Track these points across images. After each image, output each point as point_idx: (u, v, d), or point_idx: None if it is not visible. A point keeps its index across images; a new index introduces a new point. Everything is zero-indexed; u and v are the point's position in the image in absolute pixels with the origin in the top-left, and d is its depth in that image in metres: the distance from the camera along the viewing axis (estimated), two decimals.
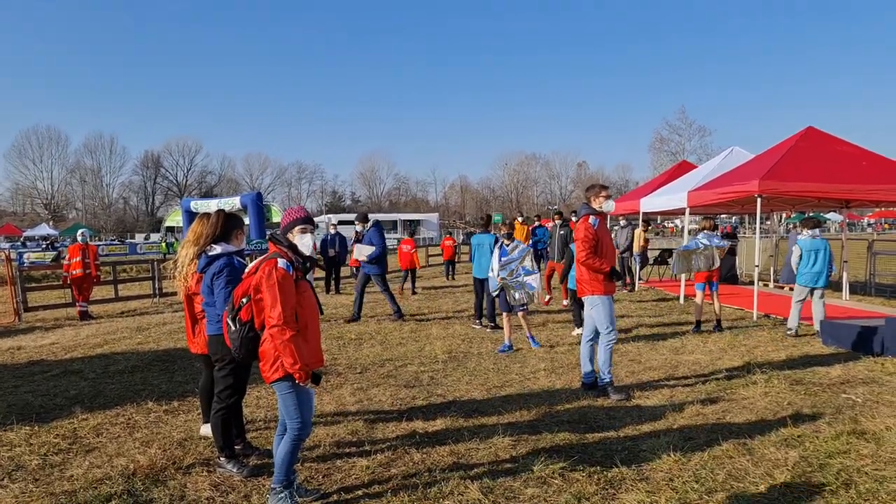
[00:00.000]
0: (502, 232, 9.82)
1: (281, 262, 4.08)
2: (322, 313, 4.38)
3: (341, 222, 49.73)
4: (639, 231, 17.97)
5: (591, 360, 7.18)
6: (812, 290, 10.10)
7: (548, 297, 14.10)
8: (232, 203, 12.47)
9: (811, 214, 18.10)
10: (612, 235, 19.65)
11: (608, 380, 6.99)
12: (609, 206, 7.20)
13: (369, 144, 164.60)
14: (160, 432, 5.92)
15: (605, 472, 4.73)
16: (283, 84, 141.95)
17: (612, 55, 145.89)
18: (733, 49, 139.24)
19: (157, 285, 16.98)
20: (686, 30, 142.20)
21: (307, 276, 4.31)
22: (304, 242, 4.27)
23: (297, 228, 4.29)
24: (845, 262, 15.60)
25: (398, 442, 5.46)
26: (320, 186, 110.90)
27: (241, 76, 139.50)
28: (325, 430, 5.84)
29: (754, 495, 4.31)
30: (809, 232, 10.11)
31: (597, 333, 7.17)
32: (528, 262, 9.49)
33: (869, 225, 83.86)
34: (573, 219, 18.59)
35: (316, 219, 49.79)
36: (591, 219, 7.05)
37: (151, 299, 16.90)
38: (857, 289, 16.42)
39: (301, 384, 4.03)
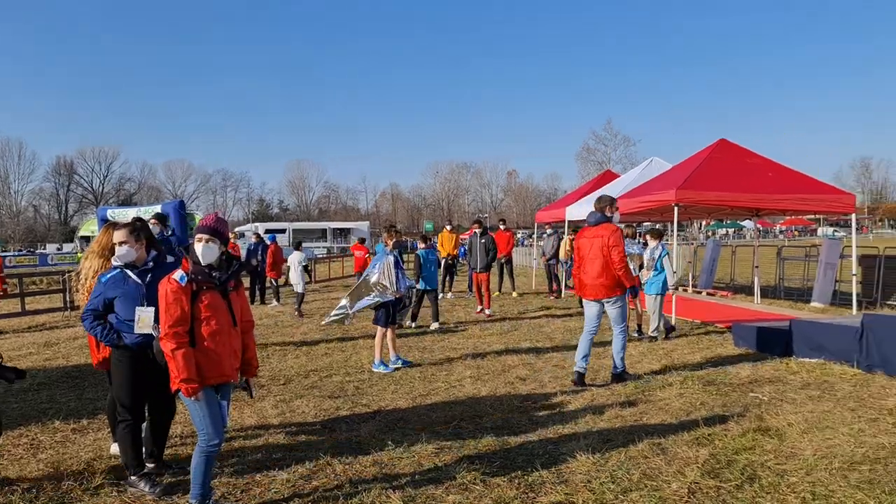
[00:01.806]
0: (388, 244, 9.34)
1: (176, 274, 4.05)
2: (235, 325, 4.32)
3: (269, 231, 48.98)
4: (566, 239, 18.37)
5: (587, 356, 7.90)
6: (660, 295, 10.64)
7: (479, 307, 14.18)
8: (153, 212, 12.14)
9: (719, 222, 18.76)
10: (540, 243, 20.14)
11: (623, 367, 7.89)
12: (617, 217, 8.09)
13: (298, 152, 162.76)
14: (67, 452, 5.67)
15: (525, 477, 4.82)
16: (207, 89, 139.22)
17: (542, 66, 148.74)
18: (656, 61, 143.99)
19: (68, 298, 16.12)
20: (614, 42, 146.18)
21: (221, 287, 4.23)
22: (199, 252, 4.14)
23: (195, 238, 4.19)
24: (756, 267, 16.29)
25: (321, 454, 5.41)
26: (247, 194, 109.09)
27: (160, 81, 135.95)
28: (245, 444, 5.75)
29: (667, 493, 4.48)
30: (653, 242, 10.75)
31: (598, 331, 8.00)
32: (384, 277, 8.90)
33: (780, 232, 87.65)
34: (501, 227, 19.00)
35: (241, 228, 48.93)
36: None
37: (62, 312, 16.16)
38: (768, 292, 17.15)
39: (189, 398, 3.99)
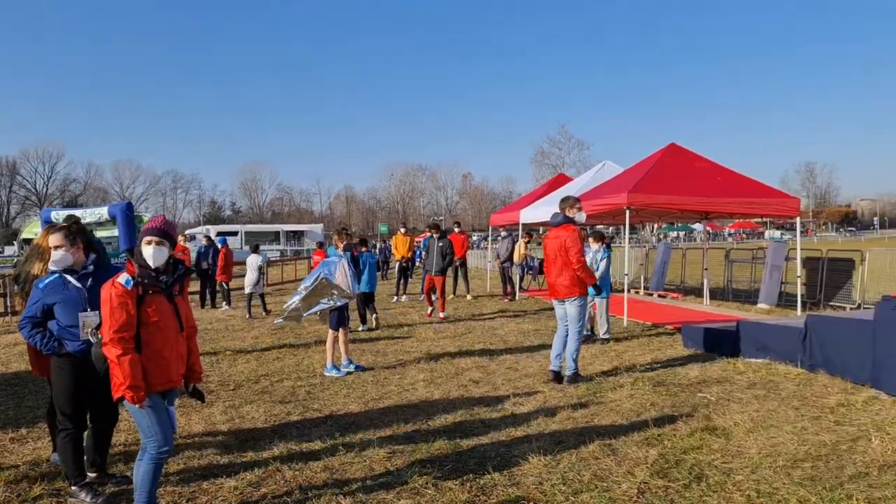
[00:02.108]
0: (339, 247, 9.21)
1: (121, 278, 3.92)
2: (182, 329, 4.22)
3: (220, 233, 48.17)
4: (521, 242, 18.47)
5: (560, 354, 7.98)
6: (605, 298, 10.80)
7: (430, 309, 14.18)
8: (99, 214, 11.83)
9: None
10: (495, 246, 20.22)
11: (575, 368, 7.92)
12: (582, 216, 8.16)
13: (251, 153, 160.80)
14: (4, 463, 5.47)
15: (477, 479, 4.82)
16: (157, 88, 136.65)
17: (499, 69, 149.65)
18: (611, 63, 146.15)
19: (9, 303, 15.43)
20: (569, 46, 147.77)
21: (167, 291, 4.13)
22: (148, 255, 4.02)
23: (143, 240, 4.06)
24: (706, 269, 16.62)
25: (270, 460, 5.33)
26: (198, 196, 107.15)
27: (106, 80, 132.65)
28: (192, 452, 5.61)
29: (616, 493, 4.52)
30: (595, 245, 10.96)
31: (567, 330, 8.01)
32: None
33: (729, 235, 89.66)
34: (456, 230, 19.02)
35: (193, 230, 48.07)
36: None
37: (2, 318, 15.62)
38: (717, 294, 17.50)
39: (135, 405, 3.88)
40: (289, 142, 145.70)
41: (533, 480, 4.79)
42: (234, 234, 55.68)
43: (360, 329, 12.34)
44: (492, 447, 5.57)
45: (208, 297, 17.93)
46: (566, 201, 8.15)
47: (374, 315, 12.96)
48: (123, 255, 17.81)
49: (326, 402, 7.26)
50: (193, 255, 18.61)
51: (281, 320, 9.05)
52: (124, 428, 6.20)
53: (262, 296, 15.91)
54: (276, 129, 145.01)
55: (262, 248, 17.33)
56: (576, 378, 7.83)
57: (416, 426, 6.26)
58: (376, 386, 8.00)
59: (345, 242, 9.23)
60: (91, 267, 4.74)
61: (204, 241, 18.30)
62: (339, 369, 8.74)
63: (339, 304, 8.76)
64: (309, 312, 8.82)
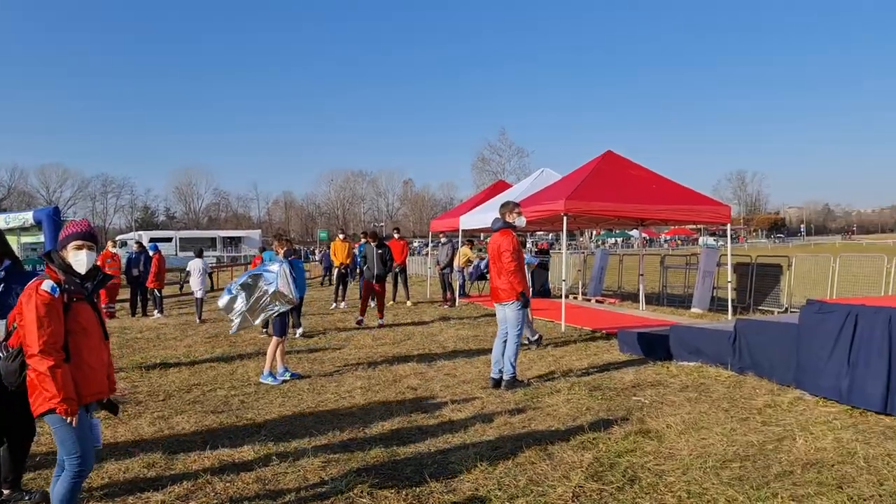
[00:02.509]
0: (279, 252, 9.20)
1: (45, 285, 3.70)
2: (107, 338, 4.07)
3: (154, 239, 46.94)
4: (463, 249, 18.51)
5: (502, 359, 8.00)
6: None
7: (360, 318, 13.92)
8: (23, 218, 11.39)
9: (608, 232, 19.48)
10: (435, 252, 20.23)
11: (513, 373, 7.94)
12: (521, 221, 8.29)
13: (186, 158, 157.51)
14: None
15: (413, 488, 4.79)
16: (85, 88, 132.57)
17: (440, 75, 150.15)
18: (550, 73, 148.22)
19: None
20: (511, 54, 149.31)
21: (90, 298, 3.96)
22: (79, 260, 3.87)
23: (71, 245, 3.88)
24: (641, 275, 16.93)
25: (200, 472, 5.18)
26: (130, 201, 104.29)
27: (31, 79, 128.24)
28: (117, 465, 5.41)
29: (552, 498, 4.55)
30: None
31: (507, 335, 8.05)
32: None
33: (665, 241, 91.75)
34: (395, 236, 18.96)
35: (124, 236, 46.76)
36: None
37: None
38: (652, 299, 17.85)
39: (67, 418, 3.67)
40: (226, 147, 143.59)
41: (469, 487, 4.78)
42: (169, 240, 54.59)
43: (295, 336, 12.18)
44: (429, 454, 5.55)
45: (139, 304, 17.46)
46: (506, 206, 8.25)
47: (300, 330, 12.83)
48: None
49: (260, 412, 7.13)
50: (123, 262, 18.08)
51: (236, 326, 8.74)
52: (45, 441, 5.95)
53: (201, 300, 15.95)
54: (214, 133, 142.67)
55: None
56: (514, 383, 7.87)
57: (352, 434, 6.19)
58: (312, 394, 7.89)
59: (285, 248, 9.13)
60: (2, 273, 4.53)
61: (135, 248, 17.83)
62: (275, 377, 8.60)
63: (282, 309, 8.63)
64: (259, 320, 8.66)
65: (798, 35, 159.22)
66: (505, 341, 8.05)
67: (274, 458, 5.50)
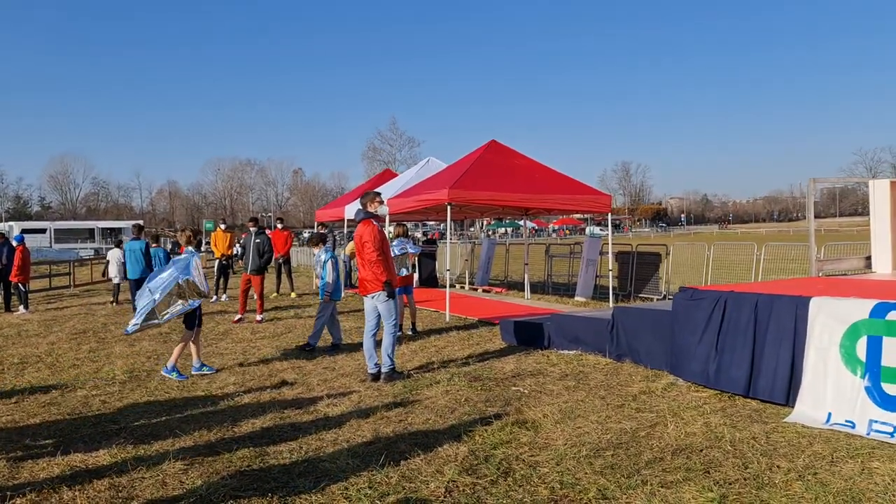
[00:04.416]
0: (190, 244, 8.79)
1: None
2: None
3: (26, 230, 44.08)
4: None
5: (376, 352, 7.87)
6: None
7: (238, 316, 13.10)
8: None
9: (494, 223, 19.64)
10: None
11: (392, 365, 7.80)
12: (384, 210, 8.37)
13: (61, 145, 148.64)
14: None
15: (281, 488, 4.53)
16: None
17: (329, 61, 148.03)
18: (435, 61, 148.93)
19: None
20: (401, 43, 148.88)
21: None
22: None
23: None
24: (526, 264, 17.14)
25: (47, 480, 4.74)
26: (0, 190, 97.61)
27: None
28: None
29: (424, 494, 4.39)
30: (316, 249, 10.85)
31: (378, 327, 7.97)
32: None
33: (554, 231, 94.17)
34: (279, 226, 18.41)
35: None
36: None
37: None
38: (538, 288, 18.12)
39: None
40: (104, 134, 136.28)
41: (339, 486, 4.56)
42: (43, 231, 51.58)
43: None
44: (300, 453, 5.28)
45: (2, 299, 16.23)
46: (367, 196, 8.10)
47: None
48: None
49: (123, 413, 6.66)
50: None
51: (136, 325, 8.08)
52: None
53: (117, 286, 17.35)
54: (90, 119, 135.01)
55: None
56: (392, 375, 7.69)
57: (220, 434, 5.84)
58: (181, 392, 7.47)
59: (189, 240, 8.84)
60: None
61: None
62: (182, 374, 8.22)
63: (195, 304, 8.27)
64: (168, 317, 8.09)
65: (678, 31, 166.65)
66: (374, 335, 7.90)
67: (132, 462, 5.10)
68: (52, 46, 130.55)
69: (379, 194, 8.16)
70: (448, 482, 4.55)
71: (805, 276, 11.12)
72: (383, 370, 7.75)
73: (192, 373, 8.40)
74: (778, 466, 4.62)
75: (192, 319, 8.41)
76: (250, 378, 8.02)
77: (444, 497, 4.34)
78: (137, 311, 8.08)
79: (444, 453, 5.14)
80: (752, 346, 6.34)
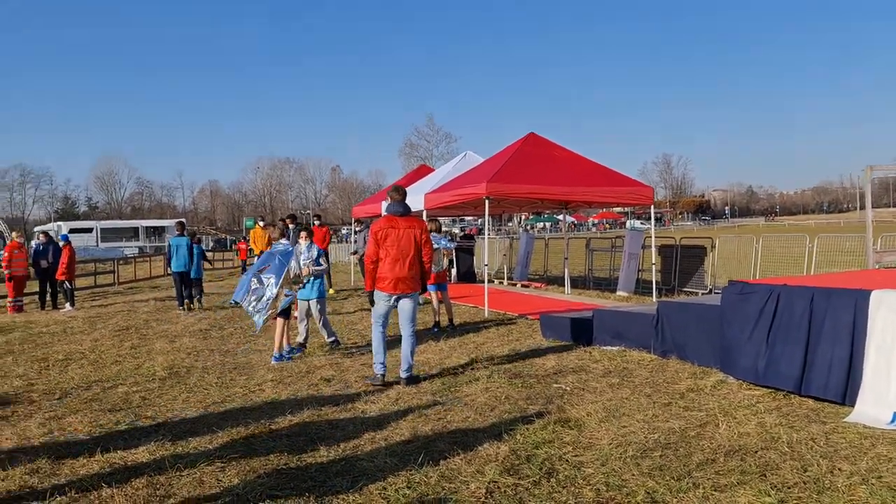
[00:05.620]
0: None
1: None
2: None
3: (74, 230, 45.00)
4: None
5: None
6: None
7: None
8: None
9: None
10: (354, 239, 19.77)
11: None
12: (385, 205, 8.10)
13: (107, 146, 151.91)
14: None
15: (318, 488, 4.41)
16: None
17: (369, 61, 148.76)
18: (479, 57, 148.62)
19: None
20: (437, 38, 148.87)
21: None
22: None
23: None
24: (566, 258, 16.87)
25: (87, 478, 4.70)
26: (49, 192, 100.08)
27: None
28: None
29: (464, 495, 4.23)
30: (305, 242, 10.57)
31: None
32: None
33: (593, 225, 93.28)
34: (316, 222, 18.40)
35: (44, 227, 44.82)
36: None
37: None
38: (579, 283, 17.83)
39: None
40: (148, 135, 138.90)
41: (377, 486, 4.42)
42: (90, 230, 52.73)
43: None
44: (337, 451, 5.16)
45: (49, 297, 16.56)
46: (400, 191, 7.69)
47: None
48: None
49: (161, 409, 6.64)
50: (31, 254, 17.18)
51: (260, 322, 8.36)
52: None
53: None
54: (135, 121, 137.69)
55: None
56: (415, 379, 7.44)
57: (257, 430, 5.75)
58: (220, 388, 7.42)
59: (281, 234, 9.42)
60: None
61: (41, 238, 16.86)
62: (282, 356, 8.80)
63: (295, 292, 8.87)
64: (281, 308, 8.55)
65: (720, 20, 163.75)
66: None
67: (170, 459, 5.03)
68: (93, 54, 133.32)
69: (394, 189, 7.75)
70: (489, 483, 4.39)
71: (861, 269, 10.69)
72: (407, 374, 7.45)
73: (272, 362, 8.72)
74: (840, 469, 4.35)
75: (286, 308, 8.78)
76: (287, 375, 7.95)
77: (486, 498, 4.18)
78: (251, 308, 8.34)
79: (484, 453, 4.97)
80: (805, 342, 6.04)
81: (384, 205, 9.04)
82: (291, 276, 8.66)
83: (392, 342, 8.26)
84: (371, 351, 7.72)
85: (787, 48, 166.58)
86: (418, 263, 7.41)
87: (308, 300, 9.32)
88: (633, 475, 4.41)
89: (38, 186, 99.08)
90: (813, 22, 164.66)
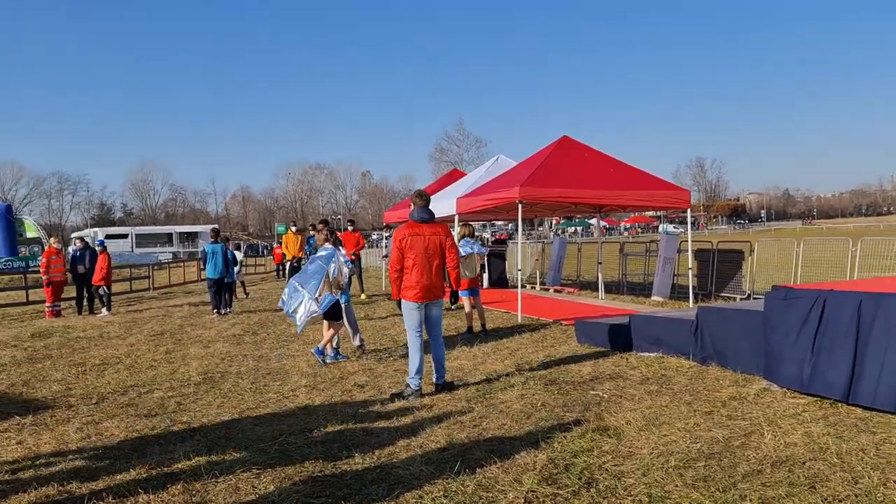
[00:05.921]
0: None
1: None
2: None
3: (109, 236, 45.67)
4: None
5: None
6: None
7: None
8: None
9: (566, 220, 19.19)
10: (384, 244, 19.76)
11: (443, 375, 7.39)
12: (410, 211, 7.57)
13: (141, 153, 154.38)
14: None
15: (354, 496, 4.35)
16: (39, 86, 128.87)
17: (399, 67, 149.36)
18: (508, 61, 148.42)
19: None
20: (470, 43, 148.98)
21: None
22: None
23: None
24: (600, 263, 16.66)
25: (123, 484, 4.69)
26: (86, 198, 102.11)
27: None
28: (36, 474, 4.93)
29: None
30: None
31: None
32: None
33: (626, 229, 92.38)
34: (349, 228, 18.42)
35: (81, 233, 45.69)
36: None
37: None
38: (612, 288, 17.61)
39: None
40: (181, 142, 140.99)
41: (414, 495, 4.35)
42: (125, 236, 53.60)
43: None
44: (372, 458, 5.10)
45: (86, 302, 16.81)
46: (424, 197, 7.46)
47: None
48: (5, 260, 16.40)
49: (196, 414, 6.66)
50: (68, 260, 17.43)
51: (302, 322, 8.53)
52: None
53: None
54: (168, 128, 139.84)
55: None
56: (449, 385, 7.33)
57: (292, 437, 5.73)
58: (254, 394, 7.42)
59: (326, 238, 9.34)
60: None
61: (78, 244, 17.11)
62: (324, 356, 8.92)
63: (334, 298, 8.79)
64: (323, 308, 8.55)
65: (754, 21, 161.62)
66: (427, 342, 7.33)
67: (205, 466, 5.01)
68: (130, 63, 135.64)
69: (417, 195, 7.52)
70: (527, 492, 4.29)
71: None
72: (443, 379, 7.37)
73: (328, 360, 8.93)
74: (893, 481, 4.17)
75: (336, 311, 8.85)
76: (321, 381, 7.92)
77: None
78: (294, 312, 8.51)
79: (521, 461, 4.87)
80: (853, 350, 5.83)
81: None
82: (331, 279, 8.65)
83: None
84: (402, 356, 7.59)
85: (825, 48, 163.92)
86: (444, 269, 7.32)
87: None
88: (677, 486, 4.27)
89: (74, 193, 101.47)
90: (848, 21, 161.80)
